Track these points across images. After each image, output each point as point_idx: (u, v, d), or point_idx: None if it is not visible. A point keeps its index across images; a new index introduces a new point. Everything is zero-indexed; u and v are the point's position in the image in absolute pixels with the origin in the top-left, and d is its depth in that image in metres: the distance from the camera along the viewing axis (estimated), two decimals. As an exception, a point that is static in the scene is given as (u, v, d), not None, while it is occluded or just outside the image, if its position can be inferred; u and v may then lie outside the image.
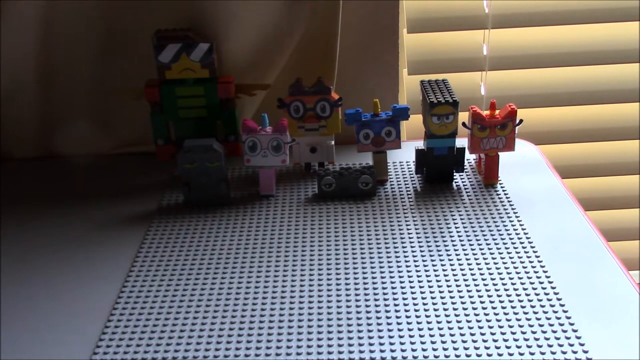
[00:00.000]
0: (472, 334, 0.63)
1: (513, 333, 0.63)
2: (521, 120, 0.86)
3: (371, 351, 0.61)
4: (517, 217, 0.82)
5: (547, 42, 1.06)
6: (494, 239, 0.78)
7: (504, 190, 0.88)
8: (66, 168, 0.99)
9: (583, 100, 1.10)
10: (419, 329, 0.64)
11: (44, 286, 0.73)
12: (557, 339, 0.62)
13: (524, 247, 0.76)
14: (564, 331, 0.63)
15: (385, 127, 0.88)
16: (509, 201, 0.86)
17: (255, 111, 1.00)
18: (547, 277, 0.71)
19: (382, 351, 0.61)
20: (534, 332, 0.63)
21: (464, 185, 0.90)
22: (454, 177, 0.91)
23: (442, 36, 1.05)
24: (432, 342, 0.62)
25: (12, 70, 0.95)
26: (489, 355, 0.61)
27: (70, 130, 1.01)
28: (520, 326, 0.64)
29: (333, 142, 0.92)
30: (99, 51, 0.96)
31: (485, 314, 0.66)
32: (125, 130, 1.02)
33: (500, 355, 0.60)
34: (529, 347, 0.61)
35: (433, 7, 1.03)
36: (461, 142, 0.89)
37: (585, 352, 0.60)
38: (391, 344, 0.62)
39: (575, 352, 0.60)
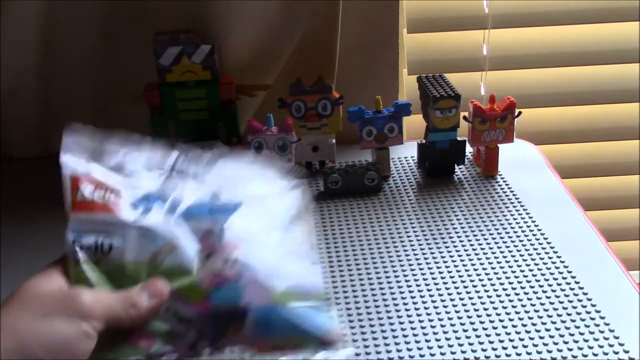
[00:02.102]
0: (481, 322, 0.63)
1: (512, 321, 0.63)
2: (520, 112, 0.88)
3: (375, 345, 0.61)
4: (522, 206, 0.84)
5: (547, 42, 1.07)
6: (503, 228, 0.80)
7: (506, 184, 0.89)
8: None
9: (583, 100, 1.10)
10: (430, 323, 0.64)
11: None
12: (552, 337, 0.62)
13: (534, 235, 0.78)
14: (558, 329, 0.63)
15: (388, 124, 0.89)
16: (511, 191, 0.87)
17: (255, 112, 1.00)
18: (562, 262, 0.73)
19: (386, 345, 0.61)
20: (534, 325, 0.63)
21: (465, 177, 0.91)
22: (455, 170, 0.92)
23: (442, 36, 1.05)
24: (445, 332, 0.62)
25: (12, 70, 0.95)
26: (493, 349, 0.61)
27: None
28: (520, 319, 0.64)
29: (334, 141, 0.92)
30: (99, 52, 0.96)
31: (492, 302, 0.66)
32: (125, 131, 1.01)
33: (504, 348, 0.61)
34: (531, 339, 0.61)
35: (433, 7, 1.03)
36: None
37: (581, 349, 0.60)
38: (404, 336, 0.62)
39: (570, 350, 0.61)
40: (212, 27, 0.92)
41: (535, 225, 0.80)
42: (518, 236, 0.78)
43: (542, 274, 0.71)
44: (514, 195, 0.87)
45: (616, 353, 0.60)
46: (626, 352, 0.60)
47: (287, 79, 0.92)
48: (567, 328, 0.63)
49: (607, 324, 0.63)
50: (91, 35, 0.95)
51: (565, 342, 0.62)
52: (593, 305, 0.66)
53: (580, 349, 0.61)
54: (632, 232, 1.21)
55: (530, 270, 0.72)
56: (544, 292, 0.68)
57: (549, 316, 0.65)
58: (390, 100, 0.96)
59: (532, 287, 0.69)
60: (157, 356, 0.48)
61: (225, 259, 0.49)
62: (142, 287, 0.47)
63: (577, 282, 0.70)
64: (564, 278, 0.70)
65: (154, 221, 0.49)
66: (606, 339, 0.62)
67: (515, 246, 0.76)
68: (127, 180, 0.51)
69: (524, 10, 1.03)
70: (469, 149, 0.95)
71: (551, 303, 0.67)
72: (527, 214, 0.82)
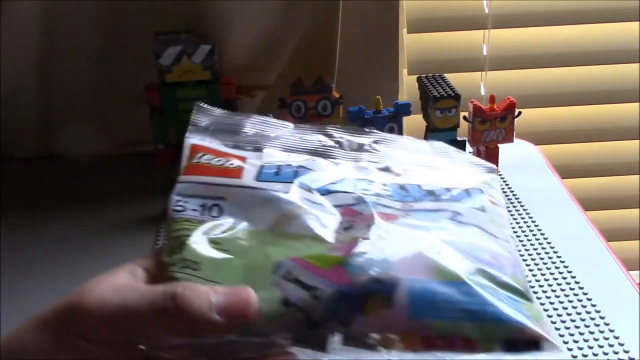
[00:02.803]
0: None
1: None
2: (520, 112, 0.88)
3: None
4: (522, 206, 0.84)
5: (547, 42, 1.07)
6: None
7: (506, 184, 0.89)
8: (66, 168, 0.99)
9: (583, 100, 1.10)
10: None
11: (49, 293, 0.71)
12: (557, 337, 0.62)
13: (534, 235, 0.78)
14: (558, 329, 0.63)
15: (388, 124, 0.89)
16: (511, 191, 0.87)
17: (255, 112, 0.99)
18: (562, 262, 0.73)
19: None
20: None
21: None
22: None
23: (442, 36, 1.05)
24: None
25: (12, 70, 0.95)
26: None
27: (71, 130, 1.01)
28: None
29: (334, 141, 0.92)
30: (99, 52, 0.96)
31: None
32: (125, 130, 1.01)
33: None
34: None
35: (433, 7, 1.03)
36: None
37: (581, 349, 0.61)
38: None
39: (570, 350, 0.61)
40: (212, 27, 0.92)
41: (535, 225, 0.80)
42: (518, 236, 0.78)
43: (542, 274, 0.71)
44: (514, 195, 0.87)
45: (616, 353, 0.60)
46: (626, 352, 0.60)
47: (287, 79, 0.92)
48: (567, 328, 0.63)
49: (607, 324, 0.63)
50: (91, 35, 0.95)
51: (565, 342, 0.61)
52: (593, 305, 0.66)
53: (580, 349, 0.61)
54: (632, 232, 1.21)
55: (530, 270, 0.72)
56: (544, 292, 0.68)
57: (549, 316, 0.65)
58: (390, 100, 0.96)
59: (532, 287, 0.69)
60: (250, 336, 0.34)
61: (371, 226, 0.38)
62: (217, 291, 0.34)
63: (577, 282, 0.70)
64: (564, 278, 0.70)
65: (280, 188, 0.39)
66: (606, 339, 0.62)
67: (515, 246, 0.76)
68: (259, 154, 0.42)
69: (524, 10, 1.03)
70: (469, 149, 0.94)
71: (551, 303, 0.67)
72: (527, 214, 0.82)
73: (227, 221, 0.38)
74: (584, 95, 1.10)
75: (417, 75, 0.94)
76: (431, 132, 0.89)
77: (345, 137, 0.44)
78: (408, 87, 1.06)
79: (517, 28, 1.05)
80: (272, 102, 0.91)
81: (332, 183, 0.41)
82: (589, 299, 0.67)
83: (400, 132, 0.89)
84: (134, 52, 0.95)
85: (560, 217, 0.82)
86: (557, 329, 0.63)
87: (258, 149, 0.43)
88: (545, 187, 0.90)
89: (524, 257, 0.74)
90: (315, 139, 0.43)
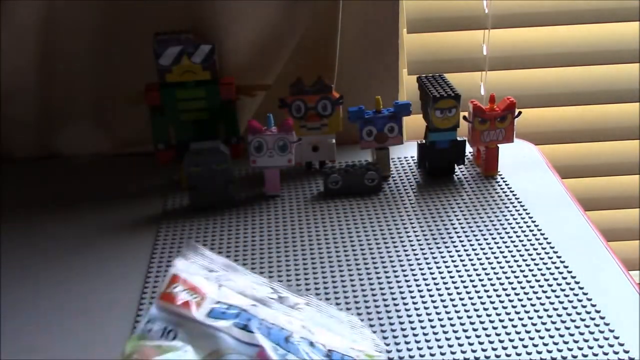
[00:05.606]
0: (481, 322, 0.63)
1: (512, 321, 0.63)
2: (520, 112, 0.88)
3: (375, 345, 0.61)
4: (522, 206, 0.84)
5: (547, 42, 1.07)
6: (503, 228, 0.79)
7: (506, 184, 0.89)
8: (66, 168, 0.99)
9: (583, 100, 1.10)
10: (430, 323, 0.64)
11: (49, 293, 0.72)
12: (552, 337, 0.62)
13: (534, 235, 0.78)
14: (558, 329, 0.63)
15: (388, 124, 0.89)
16: (511, 191, 0.87)
17: (255, 112, 1.00)
18: (562, 262, 0.73)
19: (386, 345, 0.61)
20: (534, 325, 0.63)
21: (465, 177, 0.91)
22: (455, 170, 0.93)
23: (442, 36, 1.05)
24: (445, 332, 0.62)
25: (12, 70, 0.95)
26: (493, 349, 0.61)
27: (71, 130, 1.01)
28: (520, 319, 0.64)
29: (334, 141, 0.93)
30: (99, 52, 0.96)
31: (492, 302, 0.66)
32: (125, 131, 1.02)
33: (504, 348, 0.61)
34: (531, 339, 0.61)
35: (433, 7, 1.03)
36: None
37: (581, 349, 0.61)
38: (404, 336, 0.62)
39: (570, 350, 0.61)
40: (212, 27, 0.92)
41: (535, 225, 0.80)
42: (518, 236, 0.78)
43: (542, 274, 0.71)
44: (514, 195, 0.87)
45: (616, 353, 0.60)
46: (626, 352, 0.60)
47: (287, 79, 0.92)
48: (567, 328, 0.63)
49: (607, 324, 0.64)
50: (91, 36, 0.95)
51: (565, 342, 0.62)
52: (593, 305, 0.66)
53: (580, 349, 0.61)
54: (632, 232, 1.21)
55: (530, 270, 0.72)
56: (544, 292, 0.68)
57: (549, 316, 0.65)
58: (390, 100, 0.96)
59: (532, 287, 0.69)
60: None
61: None
62: None
63: (577, 282, 0.70)
64: (564, 278, 0.70)
65: (220, 326, 0.54)
66: (606, 339, 0.62)
67: (515, 246, 0.76)
68: (218, 292, 0.57)
69: (524, 10, 1.03)
70: (469, 149, 0.95)
71: (551, 303, 0.67)
72: (527, 214, 0.82)
73: (178, 343, 0.53)
74: (584, 95, 1.10)
75: (417, 75, 0.94)
76: (431, 132, 0.89)
77: (285, 294, 0.59)
78: (408, 87, 1.06)
79: (517, 28, 1.05)
80: (272, 102, 0.91)
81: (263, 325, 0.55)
82: (589, 299, 0.67)
83: (400, 132, 0.89)
84: (134, 52, 0.95)
85: (560, 217, 0.82)
86: (557, 329, 0.63)
87: (220, 286, 0.58)
88: (545, 187, 0.90)
89: (524, 257, 0.74)
90: (264, 290, 0.59)
